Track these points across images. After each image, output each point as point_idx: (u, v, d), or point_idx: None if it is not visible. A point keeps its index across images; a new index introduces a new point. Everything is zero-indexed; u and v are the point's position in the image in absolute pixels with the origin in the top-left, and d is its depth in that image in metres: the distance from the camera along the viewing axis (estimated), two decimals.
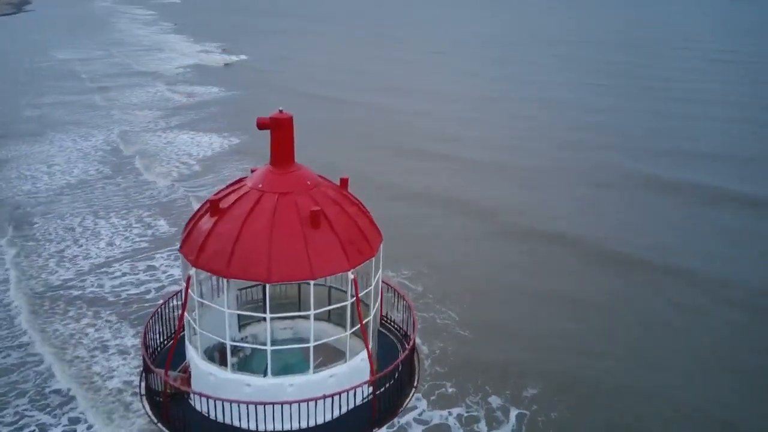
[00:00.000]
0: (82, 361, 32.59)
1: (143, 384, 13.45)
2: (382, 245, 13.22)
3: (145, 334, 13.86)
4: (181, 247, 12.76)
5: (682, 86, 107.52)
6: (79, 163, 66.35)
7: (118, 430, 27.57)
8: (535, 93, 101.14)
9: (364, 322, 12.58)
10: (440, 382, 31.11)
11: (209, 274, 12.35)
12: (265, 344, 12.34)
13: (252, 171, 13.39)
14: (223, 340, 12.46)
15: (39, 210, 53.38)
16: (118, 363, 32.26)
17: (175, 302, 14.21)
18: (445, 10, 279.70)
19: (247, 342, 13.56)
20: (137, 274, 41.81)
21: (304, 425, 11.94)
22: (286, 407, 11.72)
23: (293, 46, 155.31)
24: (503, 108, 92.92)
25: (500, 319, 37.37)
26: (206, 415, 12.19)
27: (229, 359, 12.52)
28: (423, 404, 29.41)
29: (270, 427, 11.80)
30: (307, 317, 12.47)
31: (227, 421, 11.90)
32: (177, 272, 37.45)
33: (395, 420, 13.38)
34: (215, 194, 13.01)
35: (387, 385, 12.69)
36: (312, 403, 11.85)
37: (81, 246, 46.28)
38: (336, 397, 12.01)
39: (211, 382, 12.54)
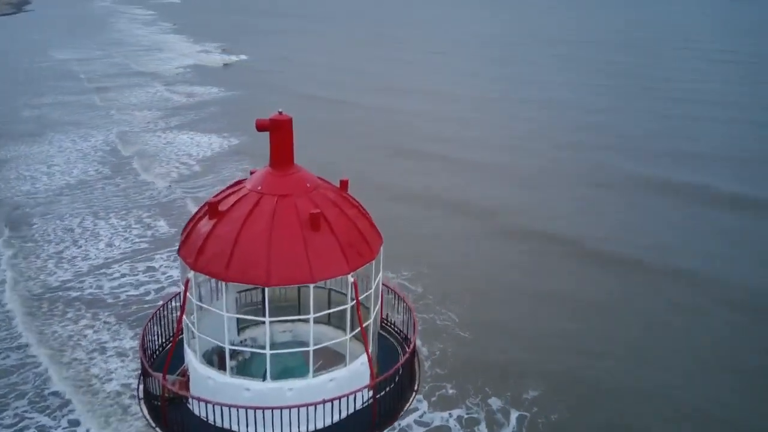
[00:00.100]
0: (80, 363, 32.44)
1: (141, 387, 13.37)
2: (382, 247, 13.14)
3: (143, 337, 13.77)
4: (179, 249, 12.68)
5: (682, 86, 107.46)
6: (79, 163, 66.24)
7: None
8: (535, 93, 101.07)
9: (364, 325, 12.49)
10: (440, 384, 31.03)
11: (208, 277, 12.28)
12: (264, 347, 12.25)
13: (251, 173, 13.32)
14: (221, 344, 12.37)
15: (38, 210, 53.26)
16: (117, 365, 32.14)
17: (174, 303, 14.11)
18: (445, 10, 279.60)
19: (246, 345, 13.48)
20: (136, 275, 41.70)
21: (303, 430, 11.86)
22: (286, 412, 11.63)
23: (293, 46, 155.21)
24: (503, 108, 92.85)
25: (500, 319, 37.30)
26: (205, 419, 12.11)
27: (228, 363, 12.44)
28: (424, 406, 29.33)
29: (269, 431, 11.71)
30: (306, 320, 12.39)
31: (226, 425, 11.81)
32: (176, 273, 37.29)
33: (396, 422, 13.27)
34: (214, 196, 12.93)
35: (387, 388, 12.61)
36: (311, 408, 11.76)
37: (80, 247, 46.16)
38: (336, 402, 11.92)
39: (209, 386, 12.46)
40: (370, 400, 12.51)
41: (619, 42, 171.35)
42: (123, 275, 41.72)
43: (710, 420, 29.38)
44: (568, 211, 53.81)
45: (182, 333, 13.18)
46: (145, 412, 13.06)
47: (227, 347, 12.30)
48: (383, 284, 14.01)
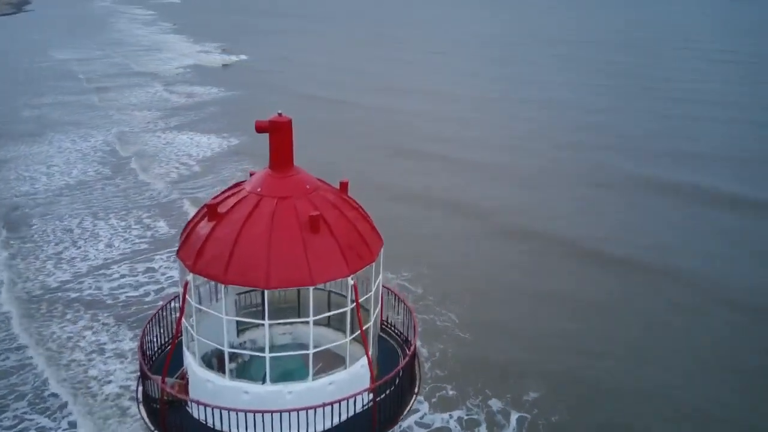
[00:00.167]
0: (79, 365, 32.32)
1: (140, 389, 13.33)
2: (382, 249, 13.08)
3: (142, 340, 13.72)
4: (178, 251, 12.64)
5: (681, 86, 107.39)
6: (78, 164, 66.17)
7: None
8: (535, 93, 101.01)
9: (364, 328, 12.44)
10: (441, 385, 30.97)
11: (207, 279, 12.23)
12: (263, 350, 12.19)
13: (251, 174, 13.27)
14: (221, 347, 12.32)
15: (37, 211, 53.18)
16: (116, 367, 32.02)
17: (173, 305, 14.06)
18: (445, 10, 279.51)
19: (245, 347, 13.45)
20: (136, 276, 41.61)
21: None
22: (285, 415, 11.58)
23: (293, 46, 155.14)
24: (503, 108, 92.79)
25: (500, 320, 37.25)
26: (204, 422, 12.05)
27: (227, 366, 12.38)
28: (424, 407, 29.27)
29: None
30: (306, 322, 12.33)
31: (225, 428, 11.77)
32: (176, 274, 37.24)
33: (396, 425, 13.20)
34: (213, 198, 12.88)
35: (387, 391, 12.56)
36: (311, 411, 11.71)
37: (79, 248, 46.07)
38: (336, 405, 11.86)
39: (208, 389, 12.40)
40: (371, 403, 12.45)
41: (619, 42, 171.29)
42: (122, 276, 41.63)
43: (710, 420, 29.34)
44: (568, 211, 53.76)
45: (181, 335, 13.12)
46: (144, 415, 13.02)
47: (226, 350, 12.24)
48: (383, 286, 13.96)
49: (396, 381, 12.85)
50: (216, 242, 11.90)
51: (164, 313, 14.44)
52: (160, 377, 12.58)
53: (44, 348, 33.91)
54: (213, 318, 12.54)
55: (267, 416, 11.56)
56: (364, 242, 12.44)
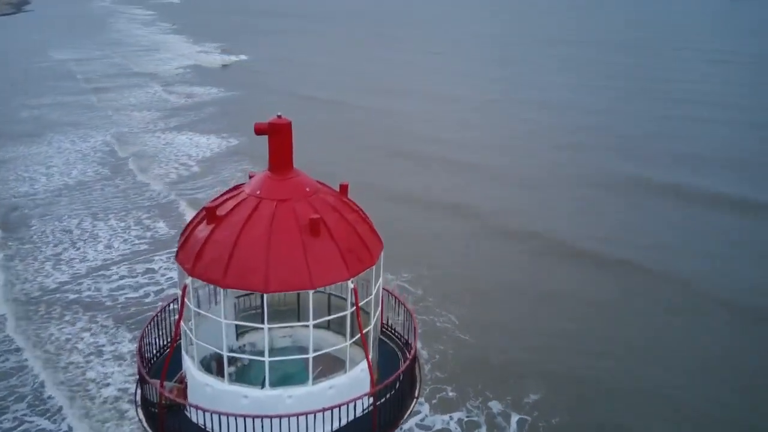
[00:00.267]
0: (77, 367, 32.21)
1: (139, 392, 13.24)
2: (382, 253, 12.97)
3: (140, 343, 13.62)
4: (177, 254, 12.55)
5: (681, 87, 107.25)
6: (77, 164, 66.07)
7: None
8: (535, 94, 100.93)
9: (364, 331, 12.33)
10: (441, 386, 30.90)
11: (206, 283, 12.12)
12: (263, 353, 12.09)
13: (250, 177, 13.17)
14: (220, 351, 12.22)
15: (36, 212, 53.08)
16: (115, 369, 31.91)
17: (172, 306, 13.96)
18: (445, 9, 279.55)
19: (245, 350, 13.36)
20: (135, 277, 41.49)
21: None
22: (285, 420, 11.48)
23: (293, 46, 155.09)
24: (502, 109, 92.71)
25: (500, 320, 37.18)
26: (203, 427, 11.95)
27: (226, 369, 12.28)
28: (425, 409, 29.19)
29: None
30: (306, 325, 12.23)
31: None
32: (176, 275, 37.17)
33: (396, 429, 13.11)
34: (212, 201, 12.78)
35: (388, 395, 12.46)
36: (311, 416, 11.60)
37: (78, 249, 45.95)
38: (335, 410, 11.77)
39: (207, 393, 12.31)
40: (371, 407, 12.36)
41: (619, 42, 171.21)
42: (122, 277, 41.52)
43: (711, 420, 29.33)
44: (567, 211, 53.70)
45: (180, 339, 13.02)
46: (143, 419, 12.92)
47: (225, 354, 12.14)
48: (384, 289, 13.86)
49: (396, 385, 12.75)
50: (215, 245, 11.80)
51: (164, 315, 14.34)
52: (158, 381, 12.47)
53: (42, 350, 33.79)
54: (212, 321, 12.44)
55: (266, 421, 11.46)
56: (364, 245, 12.34)
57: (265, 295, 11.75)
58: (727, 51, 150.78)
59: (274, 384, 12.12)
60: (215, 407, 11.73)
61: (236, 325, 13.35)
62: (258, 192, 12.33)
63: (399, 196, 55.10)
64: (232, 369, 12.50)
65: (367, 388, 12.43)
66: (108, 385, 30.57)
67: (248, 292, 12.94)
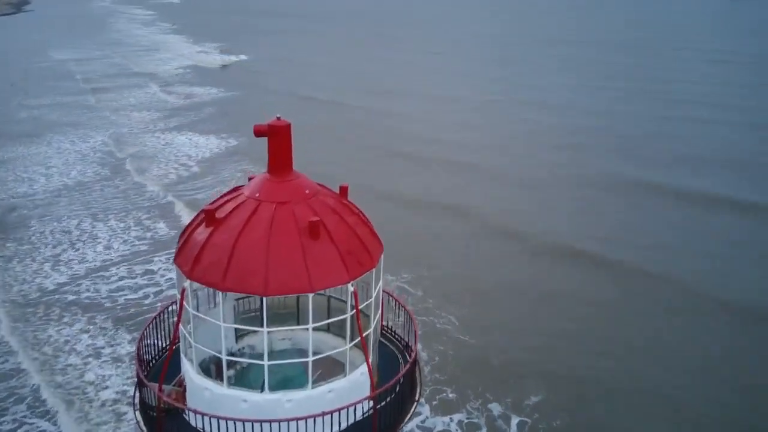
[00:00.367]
0: (75, 369, 32.10)
1: (137, 394, 13.16)
2: (382, 255, 12.89)
3: (139, 345, 13.54)
4: (175, 257, 12.48)
5: (681, 88, 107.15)
6: (77, 165, 65.99)
7: None
8: (535, 95, 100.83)
9: (364, 334, 12.25)
10: (441, 388, 30.82)
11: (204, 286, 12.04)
12: (262, 356, 12.01)
13: (249, 179, 13.09)
14: (218, 354, 12.13)
15: (35, 212, 52.99)
16: (114, 371, 31.80)
17: (171, 308, 13.88)
18: (445, 9, 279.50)
19: (244, 352, 13.29)
20: (135, 278, 41.39)
21: None
22: (284, 424, 11.40)
23: (292, 46, 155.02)
24: (503, 109, 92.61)
25: (500, 321, 37.09)
26: (201, 430, 11.87)
27: (225, 373, 12.20)
28: (425, 410, 29.11)
29: None
30: (305, 328, 12.14)
31: None
32: (175, 276, 37.02)
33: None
34: (211, 203, 12.70)
35: (388, 399, 12.38)
36: (310, 420, 11.52)
37: (77, 250, 45.84)
38: (335, 414, 11.68)
39: (206, 397, 12.23)
40: (371, 411, 12.27)
41: (619, 42, 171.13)
42: (121, 278, 41.42)
43: (712, 421, 29.25)
44: (567, 212, 53.63)
45: (179, 342, 12.94)
46: (141, 422, 12.85)
47: (224, 358, 12.06)
48: (384, 291, 13.78)
49: (396, 388, 12.66)
50: (213, 248, 11.72)
51: (163, 316, 14.27)
52: (157, 385, 12.39)
53: (40, 352, 33.67)
54: (211, 324, 12.36)
55: (266, 425, 11.38)
56: (364, 248, 12.26)
57: (264, 299, 11.66)
58: (727, 51, 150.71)
59: (274, 387, 12.04)
60: (214, 411, 11.66)
61: (235, 328, 13.26)
62: (257, 194, 12.25)
63: (399, 196, 55.02)
64: (231, 372, 12.43)
65: (367, 392, 12.35)
66: (106, 388, 30.46)
67: (247, 294, 12.85)
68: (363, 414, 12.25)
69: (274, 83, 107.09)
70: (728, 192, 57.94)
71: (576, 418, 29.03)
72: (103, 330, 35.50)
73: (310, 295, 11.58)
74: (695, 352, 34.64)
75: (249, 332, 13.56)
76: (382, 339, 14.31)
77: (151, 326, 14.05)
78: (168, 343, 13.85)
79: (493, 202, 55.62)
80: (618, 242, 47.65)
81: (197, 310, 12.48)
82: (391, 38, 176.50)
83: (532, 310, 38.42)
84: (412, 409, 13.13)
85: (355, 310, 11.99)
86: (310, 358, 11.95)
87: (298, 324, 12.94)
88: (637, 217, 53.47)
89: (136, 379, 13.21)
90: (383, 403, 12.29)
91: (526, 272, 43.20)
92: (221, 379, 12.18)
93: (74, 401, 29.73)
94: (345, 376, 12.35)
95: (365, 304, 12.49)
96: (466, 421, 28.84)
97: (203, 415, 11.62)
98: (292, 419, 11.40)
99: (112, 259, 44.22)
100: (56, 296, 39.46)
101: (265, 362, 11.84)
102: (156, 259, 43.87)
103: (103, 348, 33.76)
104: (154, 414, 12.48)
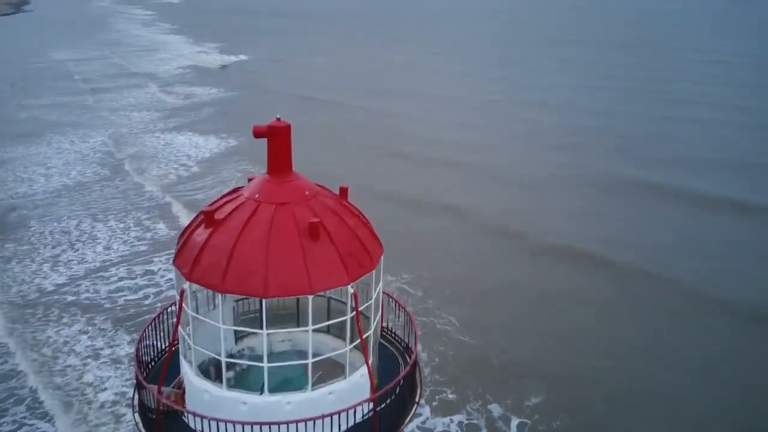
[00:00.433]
0: (74, 370, 32.03)
1: (136, 396, 13.11)
2: (383, 257, 12.83)
3: (138, 347, 13.48)
4: (174, 259, 12.42)
5: (682, 88, 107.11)
6: (77, 165, 65.93)
7: None
8: (535, 94, 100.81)
9: (364, 336, 12.19)
10: (441, 389, 30.76)
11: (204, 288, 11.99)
12: (262, 358, 11.96)
13: (249, 180, 13.04)
14: (218, 357, 12.07)
15: (35, 213, 52.92)
16: (113, 372, 31.72)
17: (171, 309, 13.83)
18: (445, 9, 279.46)
19: (244, 354, 13.24)
20: (134, 278, 41.31)
21: None
22: (284, 427, 11.35)
23: (292, 46, 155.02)
24: (503, 109, 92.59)
25: (501, 322, 37.03)
26: None
27: (225, 375, 12.15)
28: (426, 411, 29.06)
29: None
30: (305, 330, 12.08)
31: None
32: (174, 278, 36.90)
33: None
34: (210, 205, 12.64)
35: (388, 401, 12.33)
36: (310, 423, 11.47)
37: (77, 250, 45.76)
38: (335, 416, 11.63)
39: (205, 399, 12.17)
40: (371, 413, 12.22)
41: (619, 42, 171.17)
42: (120, 279, 41.33)
43: (711, 420, 29.23)
44: (567, 212, 53.57)
45: (178, 343, 12.88)
46: (140, 425, 12.79)
47: (224, 360, 12.00)
48: (384, 293, 13.72)
49: (397, 390, 12.61)
50: (213, 250, 11.66)
51: (163, 317, 14.22)
52: (156, 387, 12.33)
53: (39, 353, 33.58)
54: (210, 326, 12.30)
55: (265, 428, 11.33)
56: (364, 249, 12.21)
57: (264, 301, 11.60)
58: (726, 52, 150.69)
59: (273, 388, 12.00)
60: (213, 413, 11.60)
61: (235, 330, 13.21)
62: (257, 195, 12.19)
63: (399, 196, 54.97)
64: (231, 374, 12.38)
65: (367, 394, 12.30)
66: (105, 389, 30.35)
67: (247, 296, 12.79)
68: (363, 416, 12.20)
69: (274, 83, 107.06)
70: (728, 192, 57.90)
71: (576, 418, 28.98)
72: (103, 331, 35.42)
73: (310, 297, 11.53)
74: (695, 352, 34.61)
75: (249, 333, 13.51)
76: (382, 340, 14.25)
77: (150, 328, 13.99)
78: (167, 344, 13.79)
79: (493, 202, 55.56)
80: (618, 242, 47.59)
81: (197, 312, 12.42)
82: (391, 38, 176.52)
83: (532, 310, 38.36)
84: (413, 411, 13.07)
85: (355, 312, 11.93)
86: (310, 360, 11.90)
87: (297, 325, 12.89)
88: (637, 217, 53.41)
89: (135, 381, 13.16)
90: (383, 405, 12.23)
91: (526, 272, 43.14)
92: (220, 381, 12.13)
93: (73, 403, 29.64)
94: (345, 377, 12.30)
95: (365, 305, 12.43)
96: (466, 422, 28.78)
97: (202, 417, 11.57)
98: (292, 421, 11.35)
99: (111, 260, 44.14)
100: (55, 297, 39.37)
101: (265, 364, 11.79)
102: (156, 259, 43.79)
103: (102, 349, 33.68)
104: (154, 416, 12.42)
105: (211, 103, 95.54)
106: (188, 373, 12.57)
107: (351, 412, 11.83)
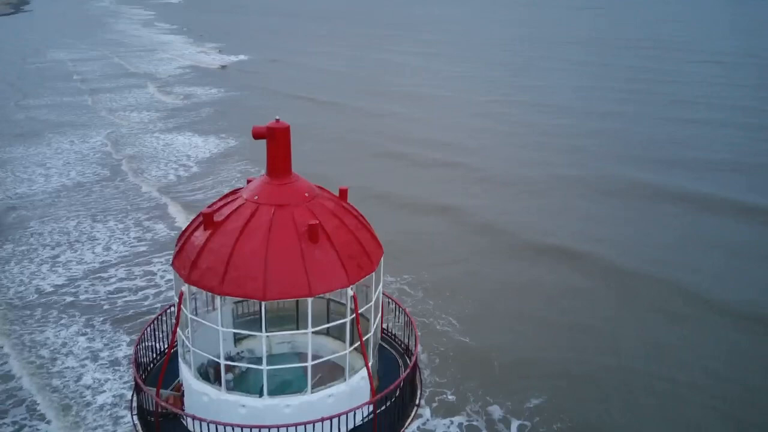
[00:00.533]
0: (72, 371, 31.94)
1: (135, 397, 13.04)
2: (382, 259, 12.76)
3: (136, 350, 13.41)
4: (173, 261, 12.35)
5: (682, 88, 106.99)
6: (76, 165, 65.85)
7: None
8: (536, 96, 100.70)
9: (364, 338, 12.11)
10: (441, 390, 30.69)
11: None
12: (261, 360, 11.88)
13: (248, 181, 12.96)
14: (217, 359, 12.00)
15: (34, 213, 52.84)
16: (112, 374, 31.63)
17: (170, 311, 13.76)
18: (445, 9, 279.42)
19: (243, 356, 13.18)
20: (134, 279, 41.21)
21: None
22: (283, 430, 11.27)
23: (292, 46, 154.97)
24: (503, 112, 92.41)
25: (501, 323, 36.97)
26: None
27: (224, 377, 12.07)
28: (426, 413, 28.98)
29: None
30: (305, 332, 12.01)
31: None
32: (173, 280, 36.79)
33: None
34: (209, 206, 12.56)
35: (388, 404, 12.25)
36: (310, 425, 11.39)
37: (76, 251, 45.67)
38: (335, 419, 11.55)
39: (204, 402, 12.11)
40: (371, 416, 12.15)
41: (621, 43, 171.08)
42: (120, 280, 41.24)
43: (711, 420, 29.20)
44: (568, 214, 53.50)
45: (176, 346, 12.81)
46: (139, 427, 12.72)
47: (222, 362, 11.93)
48: (384, 295, 13.65)
49: (397, 393, 12.53)
50: (212, 252, 11.59)
51: (163, 318, 14.16)
52: (154, 389, 12.25)
53: (37, 355, 33.47)
54: (209, 328, 12.23)
55: (264, 431, 11.24)
56: (364, 252, 12.13)
57: (263, 303, 11.53)
58: (727, 52, 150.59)
59: (273, 391, 11.93)
60: (212, 416, 11.53)
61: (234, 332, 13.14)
62: (256, 197, 12.12)
63: (399, 197, 54.91)
64: (230, 376, 12.30)
65: (367, 397, 12.23)
66: (104, 391, 30.25)
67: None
68: (363, 419, 12.12)
69: (274, 84, 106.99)
70: (728, 193, 57.82)
71: (576, 420, 28.90)
72: (102, 332, 35.31)
73: (310, 300, 11.46)
74: (695, 352, 34.55)
75: (248, 335, 13.44)
76: (382, 342, 14.18)
77: (148, 330, 13.91)
78: (166, 346, 13.72)
79: (493, 202, 55.48)
80: (618, 243, 47.52)
81: (195, 314, 12.35)
82: (391, 38, 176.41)
83: (533, 311, 38.28)
84: (413, 414, 13.00)
85: (354, 314, 11.85)
86: (309, 363, 11.82)
87: (297, 327, 12.82)
88: (637, 217, 53.31)
89: (133, 384, 13.09)
90: (383, 408, 12.16)
91: (527, 273, 43.06)
92: (219, 384, 12.05)
93: (71, 405, 29.55)
94: (345, 380, 12.22)
95: (365, 308, 12.36)
96: (466, 423, 28.70)
97: (201, 420, 11.49)
98: (292, 425, 11.27)
99: (110, 261, 44.05)
100: (54, 298, 39.26)
101: (264, 367, 11.71)
102: (155, 260, 43.70)
103: (101, 350, 33.58)
104: (152, 419, 12.34)
105: (210, 103, 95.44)
106: (187, 375, 12.50)
107: (351, 414, 11.76)
